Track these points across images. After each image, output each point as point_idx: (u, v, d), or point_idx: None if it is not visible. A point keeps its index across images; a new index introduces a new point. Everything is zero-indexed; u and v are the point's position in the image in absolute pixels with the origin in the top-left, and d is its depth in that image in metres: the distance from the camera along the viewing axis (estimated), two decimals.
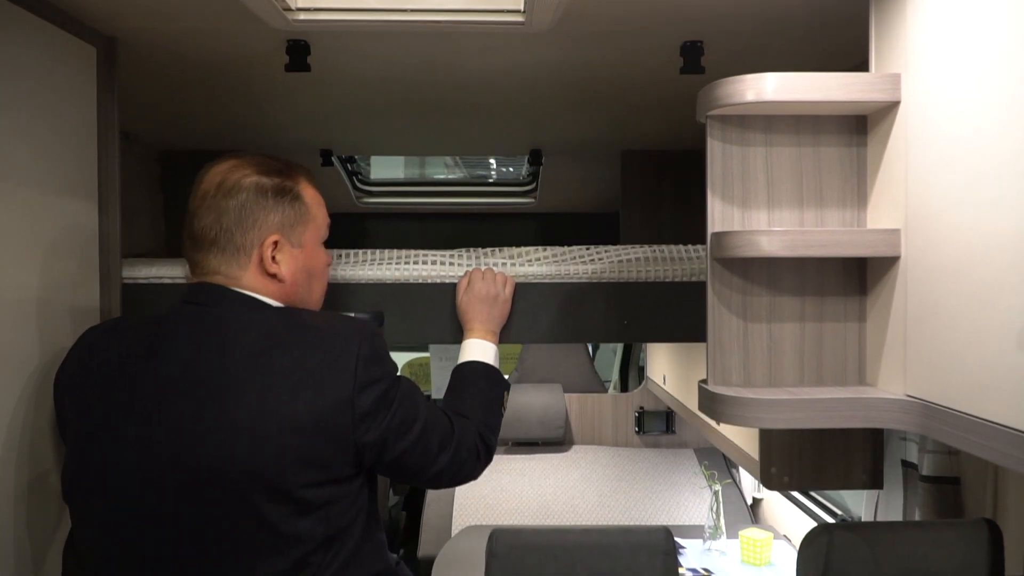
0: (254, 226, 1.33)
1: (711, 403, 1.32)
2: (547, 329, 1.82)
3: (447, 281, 1.80)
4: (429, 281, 1.81)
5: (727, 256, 1.31)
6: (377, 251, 1.88)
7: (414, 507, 4.12)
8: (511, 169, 3.86)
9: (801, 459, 1.99)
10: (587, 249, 1.90)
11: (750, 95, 1.27)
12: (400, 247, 3.75)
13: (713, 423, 2.49)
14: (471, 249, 1.90)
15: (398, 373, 1.36)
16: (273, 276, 1.35)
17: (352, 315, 1.54)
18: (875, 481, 1.93)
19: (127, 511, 1.24)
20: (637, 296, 1.82)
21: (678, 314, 1.82)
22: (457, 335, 1.76)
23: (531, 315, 1.80)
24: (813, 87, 1.27)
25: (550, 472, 3.68)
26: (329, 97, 2.19)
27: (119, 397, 1.26)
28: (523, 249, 1.88)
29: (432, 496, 3.60)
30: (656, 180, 2.89)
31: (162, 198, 2.80)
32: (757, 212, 1.35)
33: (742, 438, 2.21)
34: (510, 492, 3.53)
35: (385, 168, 3.84)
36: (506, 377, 1.67)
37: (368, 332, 1.32)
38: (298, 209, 1.38)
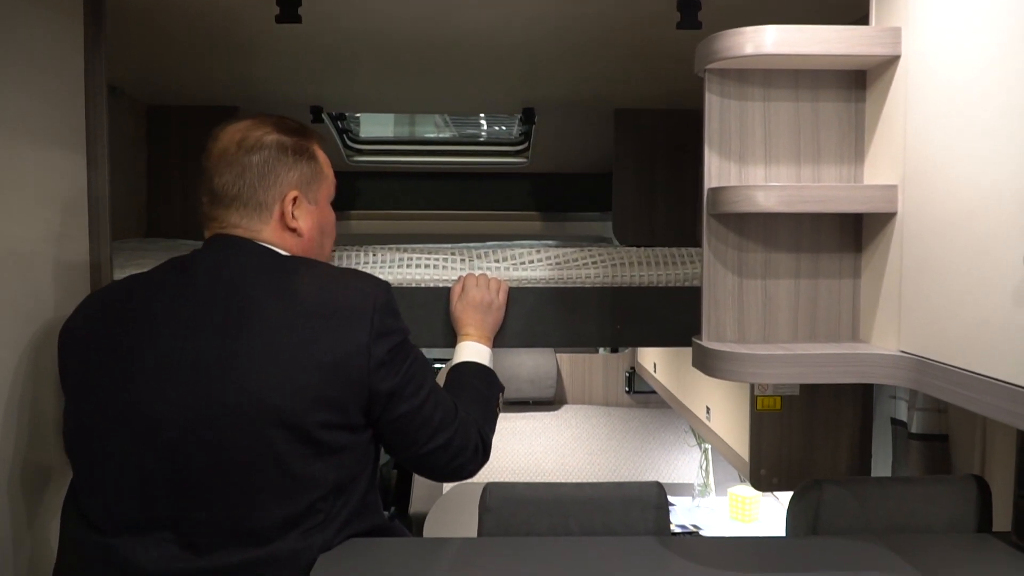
0: (276, 182, 1.38)
1: (705, 358, 1.32)
2: (542, 334, 1.83)
3: (441, 285, 1.80)
4: (422, 285, 1.81)
5: (723, 212, 1.30)
6: (371, 254, 1.87)
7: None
8: (503, 128, 3.82)
9: (790, 460, 2.02)
10: (581, 251, 1.89)
11: (749, 48, 1.26)
12: (390, 208, 3.72)
13: (705, 419, 2.51)
14: (466, 250, 1.90)
15: (409, 329, 1.38)
16: (293, 231, 1.39)
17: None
18: None
19: (143, 449, 1.23)
20: (631, 301, 1.83)
21: (672, 319, 1.83)
22: (450, 339, 1.77)
23: (526, 319, 1.82)
24: (813, 40, 1.26)
25: (541, 431, 3.70)
26: (320, 51, 2.15)
27: (140, 337, 1.28)
28: (517, 252, 1.88)
29: None
30: (650, 140, 2.87)
31: (146, 154, 2.76)
32: (754, 168, 1.35)
33: (732, 436, 2.23)
34: (501, 451, 3.56)
35: (374, 127, 3.80)
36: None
37: (384, 286, 1.36)
38: (314, 168, 1.44)
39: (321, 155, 1.47)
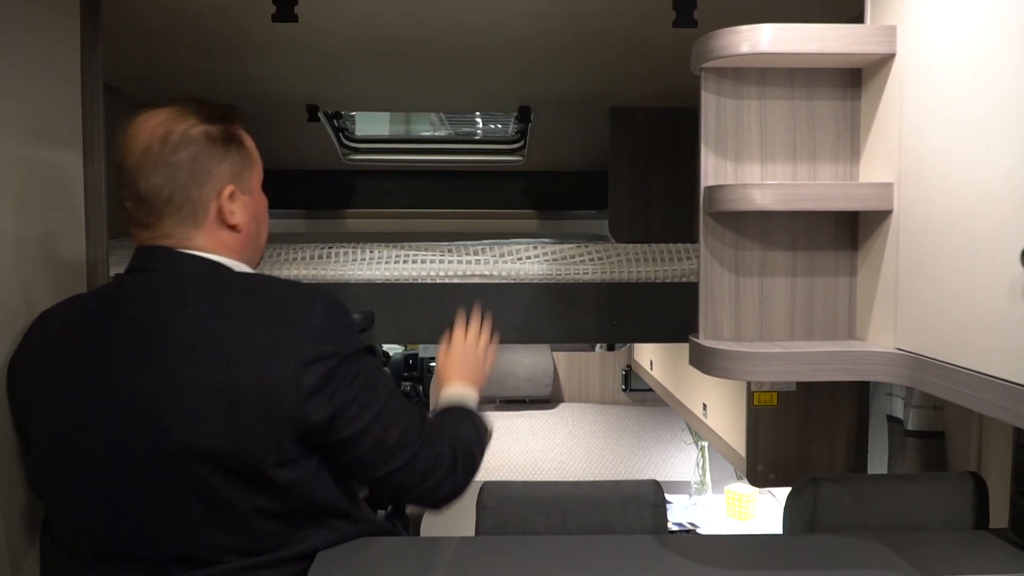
0: (209, 178, 1.25)
1: (702, 357, 1.32)
2: (539, 329, 1.83)
3: (438, 282, 1.80)
4: (420, 281, 1.81)
5: (720, 210, 1.30)
6: (367, 251, 1.88)
7: None
8: (499, 126, 3.83)
9: (787, 456, 2.03)
10: (578, 247, 1.90)
11: (745, 47, 1.26)
12: (386, 206, 3.72)
13: (701, 416, 2.52)
14: (462, 247, 1.90)
15: (359, 346, 1.27)
16: (232, 227, 1.28)
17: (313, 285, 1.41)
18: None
19: (92, 492, 1.21)
20: (628, 297, 1.83)
21: (668, 315, 1.83)
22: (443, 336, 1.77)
23: (524, 316, 1.81)
24: (809, 39, 1.26)
25: (538, 429, 3.71)
26: (316, 50, 2.15)
27: (74, 376, 1.21)
28: (514, 247, 1.88)
29: None
30: (646, 137, 2.87)
31: None
32: (750, 166, 1.35)
33: (729, 433, 2.24)
34: (498, 449, 3.56)
35: (370, 125, 3.80)
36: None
37: (323, 304, 1.23)
38: (244, 155, 1.31)
39: (248, 139, 1.33)
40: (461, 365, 1.58)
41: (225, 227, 1.28)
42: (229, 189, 1.27)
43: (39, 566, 1.32)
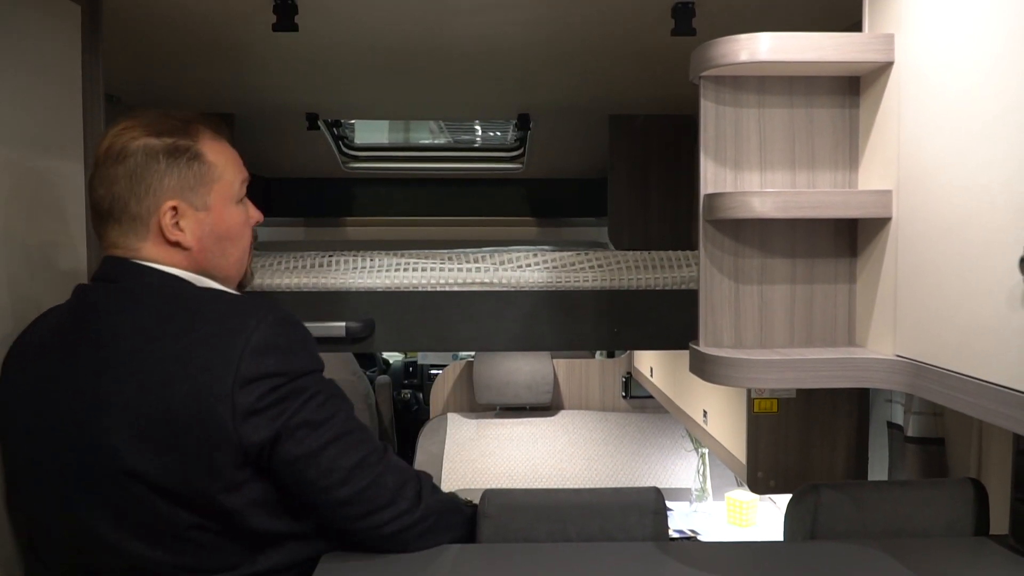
0: (148, 193, 1.23)
1: (702, 364, 1.32)
2: (539, 337, 1.84)
3: (438, 289, 1.81)
4: (419, 289, 1.81)
5: (719, 218, 1.31)
6: (368, 258, 1.88)
7: None
8: (498, 133, 3.83)
9: (787, 463, 2.03)
10: (578, 255, 1.90)
11: (744, 55, 1.27)
12: (386, 214, 3.73)
13: (702, 423, 2.52)
14: (462, 253, 1.90)
15: (313, 367, 1.22)
16: (176, 244, 1.25)
17: (259, 298, 1.34)
18: None
19: (48, 504, 1.22)
20: (627, 304, 1.84)
21: (668, 322, 1.84)
22: (447, 344, 1.77)
23: (524, 323, 1.82)
24: (807, 47, 1.27)
25: (538, 437, 3.70)
26: (316, 59, 2.16)
27: (37, 389, 1.22)
28: (514, 255, 1.89)
29: (420, 460, 3.62)
30: (644, 144, 2.88)
31: None
32: (749, 174, 1.35)
33: (729, 439, 2.24)
34: (498, 457, 3.56)
35: (369, 134, 3.81)
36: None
37: (270, 320, 1.18)
38: (197, 169, 1.26)
39: (213, 152, 1.28)
40: None
41: (169, 244, 1.25)
42: (171, 204, 1.24)
43: None
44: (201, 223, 1.27)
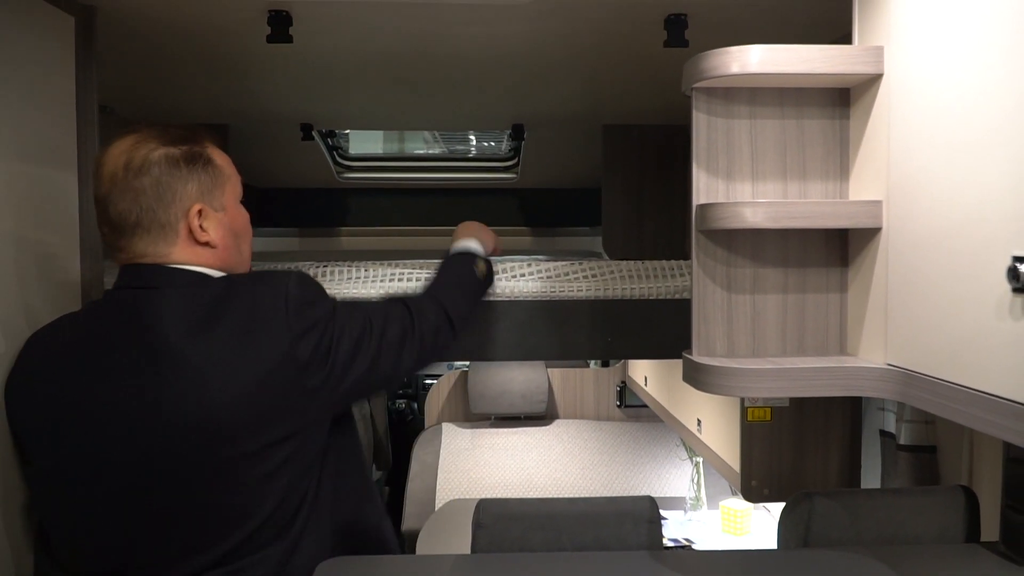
0: (175, 199, 1.29)
1: (695, 373, 1.33)
2: (534, 346, 1.84)
3: None
4: None
5: (712, 228, 1.32)
6: (361, 269, 1.89)
7: (397, 482, 4.14)
8: (491, 144, 3.85)
9: (781, 471, 2.04)
10: (572, 264, 1.91)
11: (735, 67, 1.28)
12: (381, 223, 3.73)
13: (696, 432, 2.53)
14: None
15: (335, 305, 1.36)
16: (205, 244, 1.32)
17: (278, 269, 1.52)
18: None
19: (91, 508, 1.24)
20: (621, 313, 1.84)
21: (661, 332, 1.84)
22: (446, 356, 1.79)
23: (518, 333, 1.82)
24: (797, 59, 1.28)
25: (533, 446, 3.70)
26: (311, 70, 2.17)
27: (72, 395, 1.25)
28: (509, 264, 1.89)
29: (415, 470, 3.61)
30: (638, 154, 2.89)
31: None
32: (741, 184, 1.36)
33: (724, 448, 2.24)
34: (493, 466, 3.56)
35: (363, 143, 3.82)
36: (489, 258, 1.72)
37: (292, 278, 1.31)
38: (212, 173, 1.34)
39: (218, 156, 1.37)
40: (470, 231, 1.74)
41: (199, 244, 1.31)
42: (197, 208, 1.30)
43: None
44: (221, 223, 1.34)
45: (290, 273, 1.32)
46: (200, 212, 1.30)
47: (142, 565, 1.25)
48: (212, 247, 1.32)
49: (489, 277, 1.71)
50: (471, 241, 1.71)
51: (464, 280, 1.63)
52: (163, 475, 1.22)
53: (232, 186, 1.38)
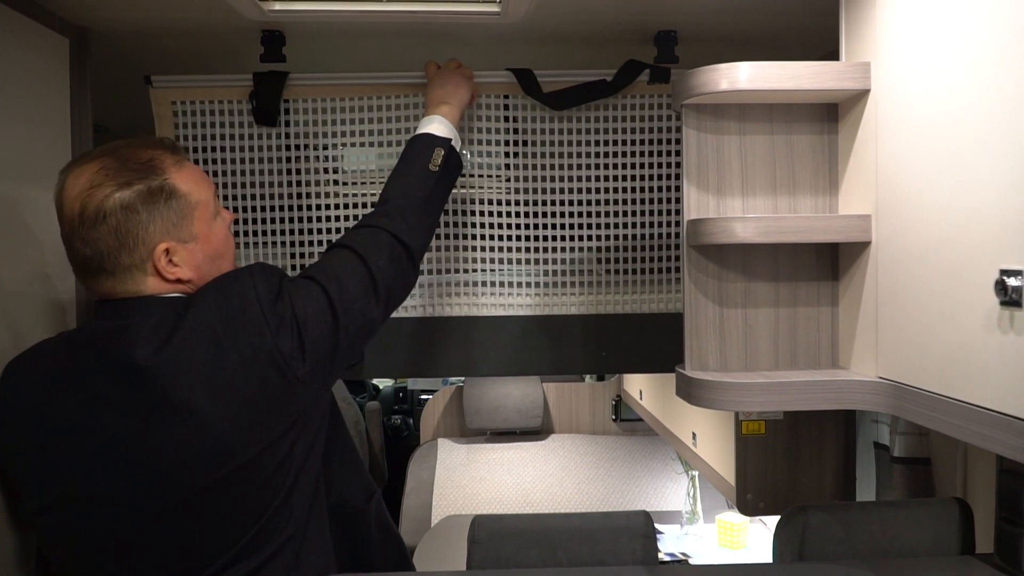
0: (137, 244, 1.23)
1: (688, 388, 1.34)
2: (528, 361, 1.84)
3: (427, 315, 1.81)
4: (408, 316, 1.81)
5: (703, 243, 1.33)
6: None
7: (392, 497, 4.13)
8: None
9: (776, 485, 2.04)
10: (565, 278, 1.92)
11: (724, 84, 1.29)
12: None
13: (691, 445, 2.53)
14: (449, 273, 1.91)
15: (286, 280, 1.31)
16: (177, 281, 1.26)
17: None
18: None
19: (93, 530, 1.23)
20: (615, 328, 1.85)
21: (655, 346, 1.85)
22: (437, 370, 1.78)
23: (512, 348, 1.82)
24: (786, 76, 1.29)
25: (528, 461, 3.70)
26: None
27: (61, 423, 1.22)
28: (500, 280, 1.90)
29: (411, 486, 3.61)
30: None
31: None
32: (732, 199, 1.37)
33: (719, 462, 2.25)
34: (489, 482, 3.55)
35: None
36: (449, 140, 1.55)
37: (256, 274, 1.27)
38: (176, 206, 1.25)
39: (183, 179, 1.27)
40: (440, 88, 1.63)
41: (170, 282, 1.26)
42: (163, 247, 1.24)
43: None
44: (194, 253, 1.27)
45: (251, 269, 1.28)
46: (167, 251, 1.24)
47: None
48: (184, 282, 1.27)
49: (451, 165, 1.54)
50: (435, 116, 1.57)
51: (416, 183, 1.49)
52: (164, 499, 1.21)
53: (203, 208, 1.29)
